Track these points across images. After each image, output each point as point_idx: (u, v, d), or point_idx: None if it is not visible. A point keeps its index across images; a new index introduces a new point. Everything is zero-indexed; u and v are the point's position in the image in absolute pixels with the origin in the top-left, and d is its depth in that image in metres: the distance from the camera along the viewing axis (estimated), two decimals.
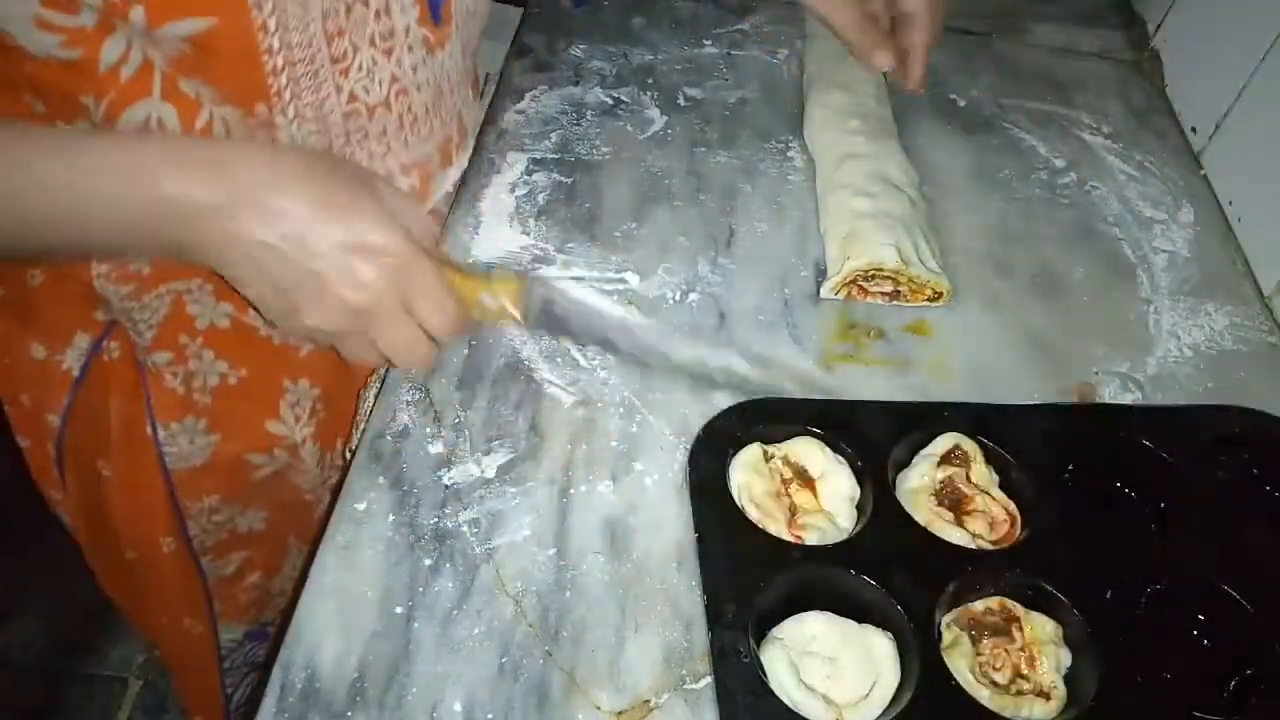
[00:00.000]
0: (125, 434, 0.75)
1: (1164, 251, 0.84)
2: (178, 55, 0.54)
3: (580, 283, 0.74)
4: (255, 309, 0.57)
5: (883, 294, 0.75)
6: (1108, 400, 0.71)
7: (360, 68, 0.62)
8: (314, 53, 0.59)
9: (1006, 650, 0.55)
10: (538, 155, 0.85)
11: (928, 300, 0.75)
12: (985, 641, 0.56)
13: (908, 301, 0.76)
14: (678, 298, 0.74)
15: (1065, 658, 0.56)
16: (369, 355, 0.58)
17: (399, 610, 0.55)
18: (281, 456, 0.80)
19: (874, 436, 0.64)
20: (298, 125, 0.61)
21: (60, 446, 0.79)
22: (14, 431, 0.83)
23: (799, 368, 0.71)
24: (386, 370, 0.68)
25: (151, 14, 0.51)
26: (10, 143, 0.52)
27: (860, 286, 0.75)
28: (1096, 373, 0.73)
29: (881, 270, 0.73)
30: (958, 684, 0.53)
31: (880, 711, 0.53)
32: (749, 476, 0.61)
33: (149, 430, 0.75)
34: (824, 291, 0.75)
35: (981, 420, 0.66)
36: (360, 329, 0.56)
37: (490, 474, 0.62)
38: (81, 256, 0.64)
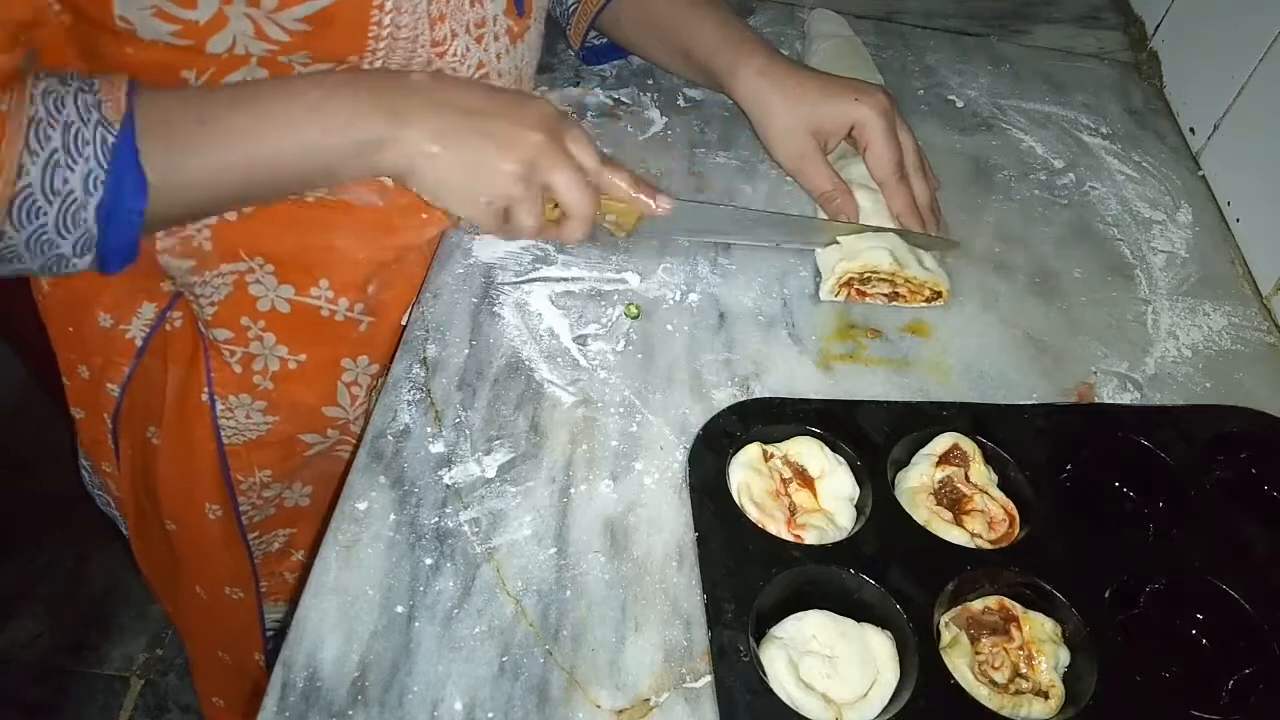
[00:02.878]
0: (179, 400, 0.77)
1: (1162, 252, 0.85)
2: (287, 38, 0.58)
3: (580, 282, 0.74)
4: (440, 205, 0.66)
5: (881, 295, 0.76)
6: (1106, 400, 0.72)
7: (455, 53, 0.66)
8: (417, 34, 0.63)
9: (1005, 649, 0.56)
10: None
11: (926, 301, 0.76)
12: (984, 640, 0.56)
13: (906, 302, 0.76)
14: (678, 298, 0.74)
15: (1064, 657, 0.56)
16: (536, 217, 0.65)
17: (400, 609, 0.55)
18: (333, 435, 0.82)
19: (873, 436, 0.65)
20: None
21: (117, 418, 0.81)
22: (68, 404, 0.85)
23: (798, 368, 0.71)
24: (393, 364, 0.69)
25: None
26: (218, 112, 0.59)
27: (858, 289, 0.75)
28: (1095, 372, 0.73)
29: (878, 272, 0.74)
30: (956, 683, 0.53)
31: (879, 710, 0.53)
32: (749, 476, 0.61)
33: (204, 398, 0.77)
34: (823, 294, 0.75)
35: (980, 420, 0.66)
36: (534, 177, 0.64)
37: (491, 473, 0.62)
38: (281, 198, 0.69)
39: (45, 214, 0.53)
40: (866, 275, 0.74)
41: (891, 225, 0.76)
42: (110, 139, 0.54)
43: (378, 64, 0.64)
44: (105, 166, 0.54)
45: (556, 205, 0.67)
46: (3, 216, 0.53)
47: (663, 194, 0.70)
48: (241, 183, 0.61)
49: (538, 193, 0.65)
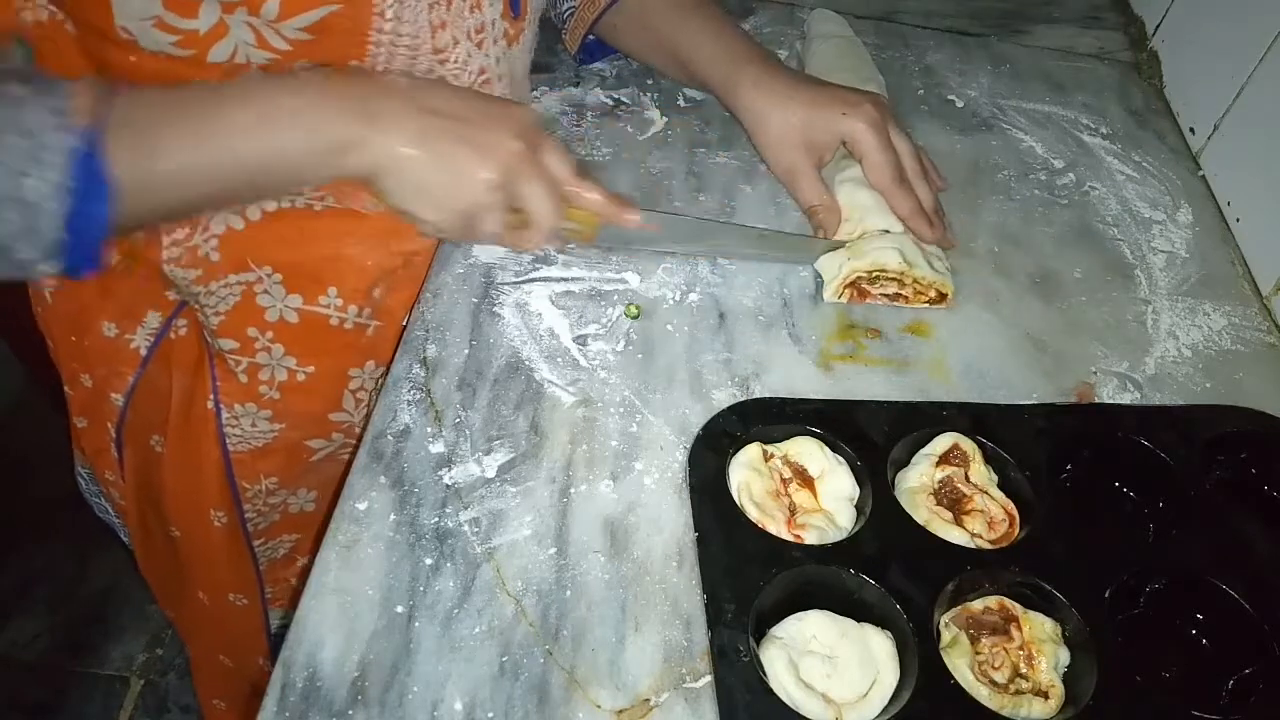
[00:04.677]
0: (184, 408, 0.77)
1: (1162, 252, 0.85)
2: (289, 48, 0.58)
3: (580, 282, 0.74)
4: (407, 209, 0.62)
5: (884, 296, 0.75)
6: (1106, 400, 0.72)
7: (457, 60, 0.66)
8: (419, 43, 0.63)
9: (1005, 649, 0.56)
10: None
11: (929, 302, 0.76)
12: (984, 640, 0.56)
13: (909, 303, 0.76)
14: (678, 298, 0.74)
15: (1064, 657, 0.56)
16: (501, 224, 0.64)
17: (400, 609, 0.56)
18: (338, 439, 0.82)
19: (873, 436, 0.65)
20: None
21: (121, 427, 0.81)
22: (70, 412, 0.85)
23: (798, 368, 0.71)
24: (393, 364, 0.69)
25: (285, 5, 0.55)
26: (185, 114, 0.56)
27: (862, 289, 0.75)
28: (1095, 372, 0.73)
29: (886, 271, 0.74)
30: (956, 683, 0.53)
31: (879, 710, 0.53)
32: (749, 476, 0.61)
33: (209, 406, 0.76)
34: (826, 295, 0.75)
35: (980, 420, 0.66)
36: (508, 187, 0.62)
37: (491, 473, 0.62)
38: (253, 200, 0.68)
39: (9, 223, 0.51)
40: (875, 275, 0.74)
41: (891, 240, 0.76)
42: (75, 145, 0.51)
43: (378, 68, 0.63)
44: (69, 174, 0.51)
45: (517, 211, 0.65)
46: None
47: (632, 207, 0.69)
48: (210, 185, 0.59)
49: (507, 201, 0.64)
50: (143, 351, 0.76)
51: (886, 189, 0.76)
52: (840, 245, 0.76)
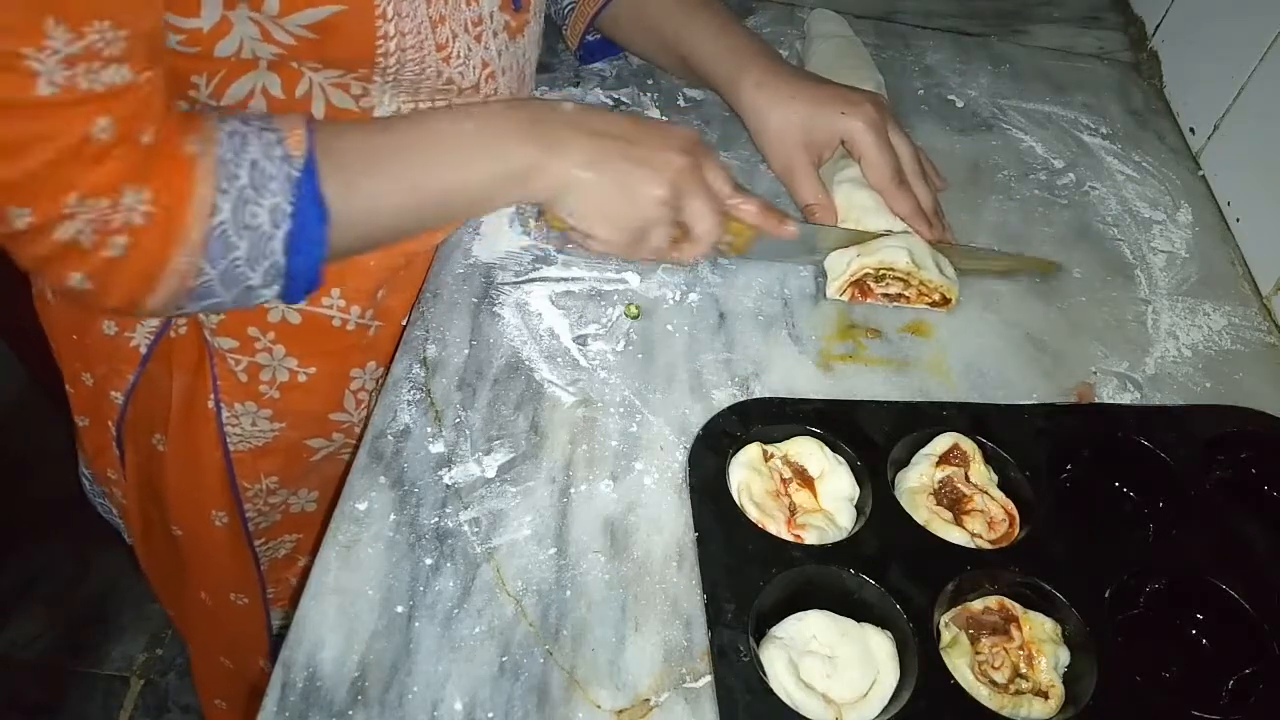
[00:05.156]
0: (185, 407, 0.78)
1: (1162, 252, 0.85)
2: (294, 43, 0.59)
3: (580, 282, 0.74)
4: (584, 228, 0.67)
5: (886, 295, 0.75)
6: (1106, 400, 0.72)
7: (459, 55, 0.67)
8: (422, 39, 0.63)
9: (1005, 649, 0.56)
10: None
11: (931, 305, 0.76)
12: (984, 640, 0.56)
13: (910, 304, 0.76)
14: (678, 298, 0.74)
15: (1064, 657, 0.56)
16: (668, 239, 0.68)
17: (400, 609, 0.56)
18: (339, 439, 0.82)
19: (873, 436, 0.65)
20: (390, 97, 0.66)
21: (121, 425, 0.81)
22: (72, 412, 0.86)
23: (798, 368, 0.71)
24: (393, 364, 0.69)
25: (285, 2, 0.56)
26: (387, 147, 0.62)
27: (865, 287, 0.75)
28: (1095, 372, 0.73)
29: (893, 270, 0.73)
30: (956, 683, 0.53)
31: (879, 710, 0.53)
32: (748, 476, 0.61)
33: (210, 405, 0.77)
34: (829, 292, 0.75)
35: (980, 420, 0.66)
36: (676, 202, 0.66)
37: (491, 473, 0.62)
38: (440, 226, 0.73)
39: (238, 249, 0.56)
40: (881, 273, 0.74)
41: (891, 225, 0.76)
42: (294, 174, 0.56)
43: (390, 74, 0.64)
44: (291, 200, 0.56)
45: (681, 225, 0.68)
46: (200, 254, 0.55)
47: (789, 219, 0.72)
48: (410, 212, 0.64)
49: (674, 216, 0.67)
50: (143, 350, 0.76)
51: (885, 189, 0.76)
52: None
